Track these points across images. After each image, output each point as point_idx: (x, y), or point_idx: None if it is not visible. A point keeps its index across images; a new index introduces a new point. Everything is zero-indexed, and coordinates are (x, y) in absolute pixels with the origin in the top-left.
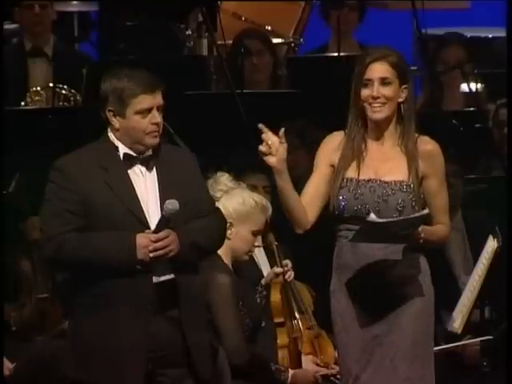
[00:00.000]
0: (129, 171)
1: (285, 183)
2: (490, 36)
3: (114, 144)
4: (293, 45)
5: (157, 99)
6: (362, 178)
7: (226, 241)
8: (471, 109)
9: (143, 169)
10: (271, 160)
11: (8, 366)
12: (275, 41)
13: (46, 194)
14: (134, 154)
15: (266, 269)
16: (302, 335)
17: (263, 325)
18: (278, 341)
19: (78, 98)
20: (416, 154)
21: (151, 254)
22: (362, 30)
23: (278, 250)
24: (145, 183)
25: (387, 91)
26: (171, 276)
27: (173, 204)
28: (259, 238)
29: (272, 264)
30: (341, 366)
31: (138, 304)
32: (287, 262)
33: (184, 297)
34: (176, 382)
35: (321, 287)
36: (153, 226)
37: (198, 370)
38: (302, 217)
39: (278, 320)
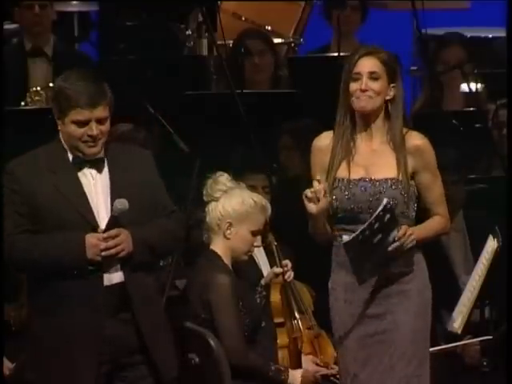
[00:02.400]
0: (78, 174)
1: (317, 223)
2: (490, 36)
3: (63, 147)
4: (293, 45)
5: (96, 113)
6: (352, 177)
7: (226, 241)
8: (471, 109)
9: (93, 171)
10: (312, 207)
11: (8, 365)
12: (275, 41)
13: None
14: (83, 157)
15: (266, 269)
16: (302, 335)
17: (263, 325)
18: (277, 341)
19: None
20: (404, 149)
21: (102, 253)
22: (362, 29)
23: (278, 250)
24: (95, 186)
25: (375, 85)
26: (122, 279)
27: (122, 203)
28: (259, 237)
29: (272, 264)
30: (339, 365)
31: (89, 306)
32: (287, 262)
33: (137, 299)
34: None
35: (321, 287)
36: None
37: (159, 370)
38: (328, 237)
39: (277, 320)
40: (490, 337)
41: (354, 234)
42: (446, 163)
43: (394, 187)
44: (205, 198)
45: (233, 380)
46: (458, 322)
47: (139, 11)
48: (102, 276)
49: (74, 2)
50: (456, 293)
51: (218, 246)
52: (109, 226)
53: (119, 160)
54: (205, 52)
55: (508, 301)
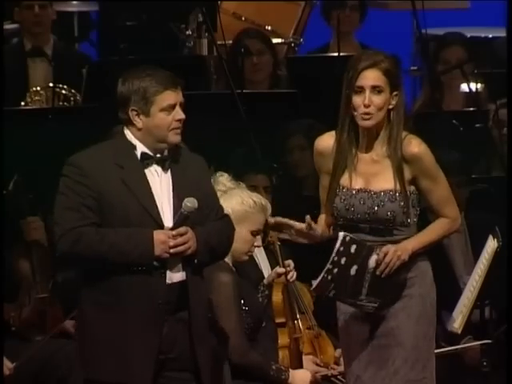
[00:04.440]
0: (145, 170)
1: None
2: (490, 36)
3: (131, 143)
4: (293, 45)
5: (179, 95)
6: (353, 187)
7: None
8: (471, 109)
9: (159, 169)
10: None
11: (8, 365)
12: (275, 41)
13: (60, 189)
14: (151, 154)
15: (266, 269)
16: (303, 335)
17: (263, 325)
18: (278, 341)
19: (77, 97)
20: (400, 159)
21: (171, 250)
22: (362, 30)
23: (281, 249)
24: (160, 183)
25: (378, 100)
26: (183, 277)
27: (192, 202)
28: (259, 237)
29: (272, 264)
30: (344, 365)
31: (150, 304)
32: (290, 262)
33: (194, 299)
34: None
35: None
36: (167, 225)
37: (202, 375)
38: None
39: (279, 320)
40: (489, 341)
41: (319, 277)
42: (446, 164)
43: (392, 200)
44: None
45: (233, 380)
46: (458, 321)
47: (139, 11)
48: (165, 273)
49: (74, 2)
50: (456, 293)
51: None
52: (177, 224)
53: (180, 160)
54: (205, 52)
55: (508, 301)
